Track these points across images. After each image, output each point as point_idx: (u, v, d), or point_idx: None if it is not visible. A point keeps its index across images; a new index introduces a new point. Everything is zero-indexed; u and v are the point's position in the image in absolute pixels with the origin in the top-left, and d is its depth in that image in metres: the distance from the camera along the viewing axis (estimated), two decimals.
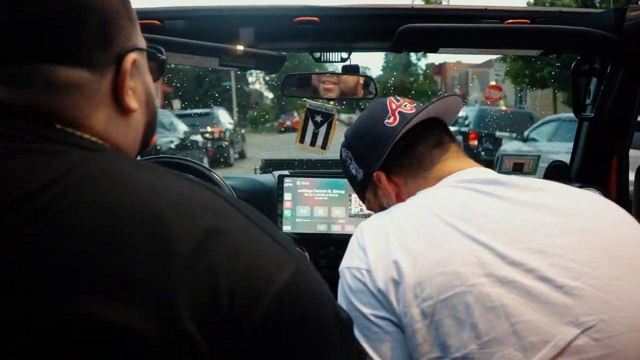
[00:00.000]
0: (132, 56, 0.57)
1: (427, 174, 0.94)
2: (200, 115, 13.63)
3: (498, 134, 11.00)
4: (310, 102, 1.58)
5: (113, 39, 0.55)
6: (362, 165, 1.03)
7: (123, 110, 0.58)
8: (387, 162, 0.98)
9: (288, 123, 26.63)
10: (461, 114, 13.15)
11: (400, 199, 0.97)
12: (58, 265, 0.43)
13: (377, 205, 1.05)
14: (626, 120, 1.49)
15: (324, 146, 1.60)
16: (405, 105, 1.00)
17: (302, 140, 1.60)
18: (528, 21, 1.29)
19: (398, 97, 1.04)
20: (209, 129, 12.66)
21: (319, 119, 1.59)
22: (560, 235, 0.75)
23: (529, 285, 0.70)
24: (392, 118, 0.98)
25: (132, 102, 0.58)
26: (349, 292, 0.78)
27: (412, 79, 32.17)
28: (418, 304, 0.71)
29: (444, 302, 0.70)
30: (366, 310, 0.75)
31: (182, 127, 11.47)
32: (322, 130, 1.59)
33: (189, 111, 15.15)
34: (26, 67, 0.51)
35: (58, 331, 0.41)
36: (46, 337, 0.41)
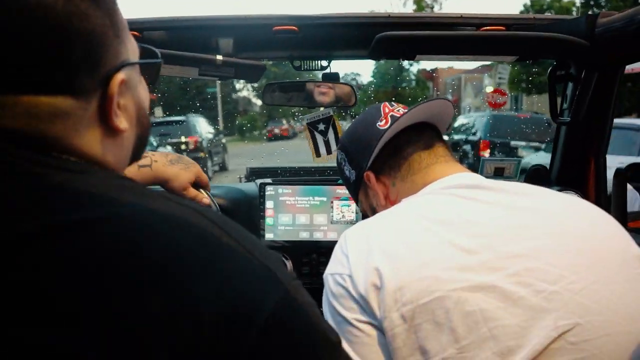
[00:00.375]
0: (119, 77, 0.54)
1: (415, 177, 0.95)
2: (173, 123, 12.51)
3: (513, 142, 10.12)
4: (307, 117, 1.59)
5: (99, 61, 0.52)
6: (355, 166, 1.06)
7: (111, 131, 0.56)
8: (376, 163, 1.01)
9: (277, 131, 26.60)
10: (465, 121, 12.43)
11: (388, 199, 1.00)
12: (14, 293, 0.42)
13: (368, 206, 1.08)
14: (602, 125, 1.51)
15: None
16: (398, 110, 1.03)
17: (318, 154, 1.62)
18: (503, 28, 1.31)
19: (393, 103, 1.06)
20: (182, 139, 11.74)
21: (321, 127, 1.61)
22: (540, 238, 0.76)
23: (508, 290, 0.70)
24: (383, 121, 1.01)
25: (122, 123, 0.56)
26: (332, 298, 0.79)
27: (404, 85, 32.17)
28: (398, 309, 0.71)
29: (423, 307, 0.71)
30: (348, 315, 0.76)
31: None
32: (331, 135, 1.62)
33: (161, 119, 13.69)
34: (9, 97, 0.49)
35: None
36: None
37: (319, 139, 1.62)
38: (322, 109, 1.62)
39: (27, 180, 0.47)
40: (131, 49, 0.60)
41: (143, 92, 0.63)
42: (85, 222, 0.45)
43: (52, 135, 0.51)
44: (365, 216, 1.04)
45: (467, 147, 10.85)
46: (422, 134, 1.00)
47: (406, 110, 1.01)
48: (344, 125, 1.62)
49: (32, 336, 0.41)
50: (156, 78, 0.68)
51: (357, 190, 1.08)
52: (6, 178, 0.47)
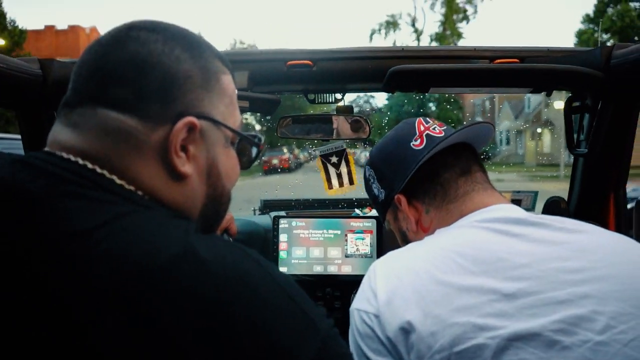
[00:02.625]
0: (189, 119, 0.57)
1: (451, 206, 0.89)
2: None
3: None
4: (319, 149, 1.60)
5: (174, 98, 0.57)
6: (385, 186, 1.00)
7: (173, 171, 0.58)
8: (409, 186, 0.94)
9: (275, 161, 21.59)
10: None
11: (420, 225, 0.94)
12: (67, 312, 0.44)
13: (397, 228, 1.02)
14: (621, 156, 1.49)
15: (351, 182, 1.63)
16: (434, 128, 0.96)
17: (330, 186, 1.62)
18: (517, 60, 1.31)
19: (427, 119, 1.00)
20: None
21: (334, 159, 1.61)
22: (587, 282, 0.71)
23: (551, 339, 0.66)
24: (418, 140, 0.95)
25: (184, 167, 0.59)
26: (357, 336, 0.76)
27: (430, 104, 30.82)
28: (431, 355, 0.68)
29: (458, 355, 0.67)
30: (374, 357, 0.73)
31: None
32: (343, 168, 1.62)
33: None
34: (86, 108, 0.56)
35: None
36: None
37: (332, 171, 1.62)
38: (332, 141, 1.62)
39: (92, 204, 0.51)
40: (224, 114, 0.63)
41: (224, 158, 0.65)
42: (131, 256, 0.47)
43: (118, 156, 0.55)
44: (380, 244, 1.00)
45: None
46: (460, 158, 0.93)
47: (443, 129, 0.95)
48: (357, 153, 1.62)
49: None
50: (248, 165, 0.71)
51: (385, 210, 1.02)
52: (74, 198, 0.50)
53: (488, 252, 0.75)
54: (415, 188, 0.94)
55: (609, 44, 1.34)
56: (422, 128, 0.97)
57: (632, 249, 0.78)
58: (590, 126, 1.46)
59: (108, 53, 0.57)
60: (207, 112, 0.61)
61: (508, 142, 33.43)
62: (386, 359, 0.72)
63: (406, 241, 0.97)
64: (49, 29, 28.50)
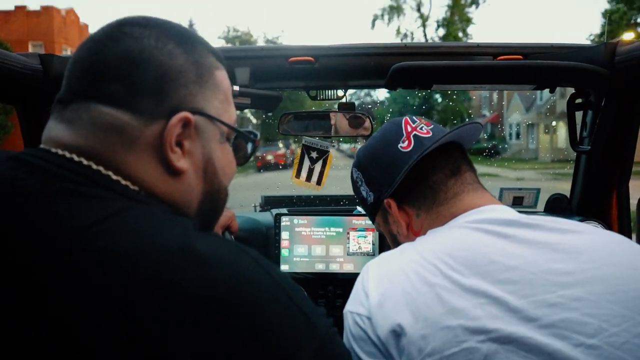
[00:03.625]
0: (183, 114, 0.57)
1: (441, 208, 0.88)
2: None
3: None
4: (306, 139, 1.58)
5: (168, 93, 0.57)
6: (373, 189, 0.97)
7: (169, 167, 0.58)
8: (399, 190, 0.92)
9: (269, 157, 20.25)
10: None
11: (411, 229, 0.93)
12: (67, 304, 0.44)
13: (387, 231, 1.01)
14: (624, 153, 1.48)
15: (319, 182, 1.59)
16: (421, 128, 0.94)
17: (298, 175, 1.60)
18: (520, 57, 1.30)
19: (414, 118, 0.98)
20: None
21: (314, 155, 1.59)
22: (578, 285, 0.70)
23: (542, 343, 0.65)
24: (406, 142, 0.93)
25: (180, 162, 0.59)
26: (351, 338, 0.75)
27: (437, 96, 28.73)
28: (422, 359, 0.67)
29: (449, 358, 0.66)
30: (366, 359, 0.73)
31: None
32: (318, 166, 1.59)
33: None
34: (79, 104, 0.56)
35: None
36: None
37: (306, 164, 1.60)
38: (320, 139, 1.61)
39: (89, 201, 0.50)
40: (217, 108, 0.63)
41: (219, 153, 0.65)
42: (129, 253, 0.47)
43: (112, 152, 0.55)
44: (382, 242, 0.98)
45: None
46: (449, 158, 0.92)
47: (430, 128, 0.94)
48: (356, 146, 1.60)
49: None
50: (244, 160, 0.71)
51: (374, 213, 1.01)
52: (69, 195, 0.50)
53: (479, 254, 0.74)
54: (405, 192, 0.92)
55: None
56: (409, 129, 0.95)
57: (625, 250, 0.77)
58: (593, 123, 1.45)
59: (101, 49, 0.57)
60: (201, 108, 0.61)
61: (518, 136, 31.58)
62: None
63: (397, 243, 0.96)
64: (20, 9, 25.93)
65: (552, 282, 0.70)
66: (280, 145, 21.78)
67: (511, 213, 0.84)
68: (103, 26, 0.60)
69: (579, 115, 1.50)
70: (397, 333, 0.70)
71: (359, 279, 0.81)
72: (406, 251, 0.82)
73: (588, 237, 0.78)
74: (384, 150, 0.96)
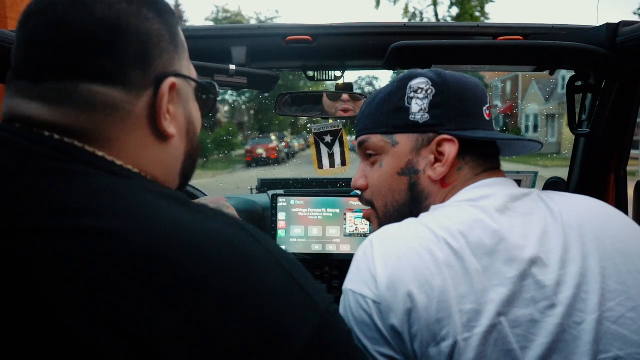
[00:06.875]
0: (170, 80, 0.57)
1: (476, 178, 0.84)
2: None
3: None
4: (314, 127, 1.57)
5: (152, 61, 0.56)
6: (437, 115, 0.83)
7: (160, 135, 0.58)
8: (463, 141, 0.82)
9: (260, 151, 18.16)
10: None
11: (443, 180, 0.83)
12: (57, 289, 0.41)
13: (405, 161, 0.86)
14: (623, 136, 1.47)
15: (343, 163, 1.59)
16: (486, 109, 0.89)
17: (320, 165, 1.59)
18: (521, 38, 1.29)
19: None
20: None
21: (328, 139, 1.58)
22: (575, 261, 0.71)
23: (549, 324, 0.67)
24: (488, 112, 0.87)
25: (170, 128, 0.58)
26: (352, 321, 0.71)
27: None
28: (437, 343, 0.66)
29: (465, 342, 0.66)
30: (370, 346, 0.70)
31: None
32: (336, 148, 1.59)
33: None
34: (64, 83, 0.52)
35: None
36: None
37: (324, 151, 1.59)
38: (331, 120, 1.60)
39: (72, 179, 0.49)
40: (187, 68, 0.63)
41: (195, 112, 0.66)
42: (121, 228, 0.45)
43: (102, 129, 0.53)
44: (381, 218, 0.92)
45: None
46: (495, 156, 0.89)
47: (489, 111, 0.89)
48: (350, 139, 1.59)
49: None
50: (209, 111, 0.71)
51: (404, 131, 0.85)
52: (52, 173, 0.48)
53: (490, 232, 0.72)
54: (465, 144, 0.83)
55: None
56: (487, 103, 0.89)
57: (616, 220, 0.78)
58: (592, 106, 1.44)
59: (70, 17, 0.52)
60: (179, 70, 0.60)
61: (536, 129, 29.60)
62: (383, 348, 0.69)
63: (409, 184, 0.86)
64: None
65: (553, 260, 0.71)
66: (273, 137, 20.01)
67: (519, 189, 0.83)
68: None
69: (578, 98, 1.49)
70: (410, 316, 0.67)
71: (360, 254, 0.75)
72: (413, 226, 0.76)
73: (584, 209, 0.79)
74: (475, 98, 0.86)
